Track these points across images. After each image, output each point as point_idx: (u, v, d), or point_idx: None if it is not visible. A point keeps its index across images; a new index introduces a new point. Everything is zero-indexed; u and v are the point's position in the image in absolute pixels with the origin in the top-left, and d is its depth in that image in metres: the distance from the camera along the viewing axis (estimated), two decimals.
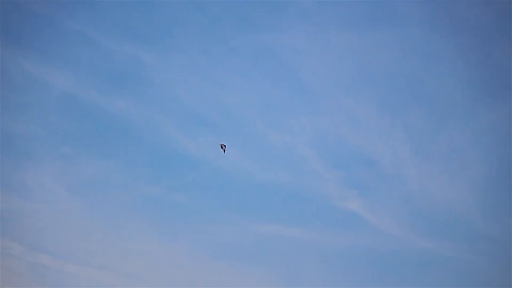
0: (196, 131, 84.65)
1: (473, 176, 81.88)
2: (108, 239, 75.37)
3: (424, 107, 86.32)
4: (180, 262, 75.59)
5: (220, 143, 63.74)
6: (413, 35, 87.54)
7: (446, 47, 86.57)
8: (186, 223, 78.23)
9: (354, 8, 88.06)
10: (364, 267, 77.12)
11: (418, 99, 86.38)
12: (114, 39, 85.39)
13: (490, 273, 73.95)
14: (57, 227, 75.07)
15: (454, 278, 74.55)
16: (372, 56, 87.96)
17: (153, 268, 74.19)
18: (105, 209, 77.60)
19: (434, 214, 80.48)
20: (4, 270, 69.31)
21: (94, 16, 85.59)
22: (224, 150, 63.57)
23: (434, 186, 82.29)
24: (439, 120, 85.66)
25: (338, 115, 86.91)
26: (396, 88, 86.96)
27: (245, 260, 76.89)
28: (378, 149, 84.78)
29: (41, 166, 78.38)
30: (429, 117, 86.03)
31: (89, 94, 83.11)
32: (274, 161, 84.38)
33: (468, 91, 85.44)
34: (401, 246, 77.72)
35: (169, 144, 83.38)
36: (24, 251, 71.44)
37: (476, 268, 75.05)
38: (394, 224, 79.50)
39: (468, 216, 79.18)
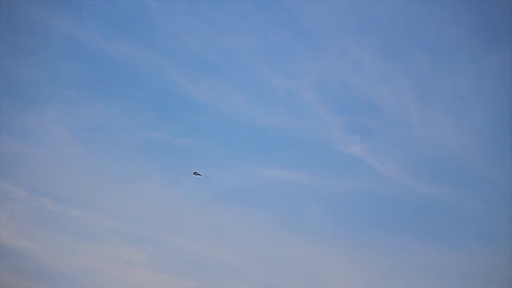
0: (199, 75, 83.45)
1: (475, 122, 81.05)
2: (111, 183, 74.60)
3: (427, 52, 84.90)
4: (183, 206, 74.88)
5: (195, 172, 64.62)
6: None
7: None
8: (189, 167, 76.03)
9: None
10: (367, 211, 76.80)
11: (421, 44, 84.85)
12: None
13: (492, 217, 73.46)
14: (61, 171, 74.27)
15: (457, 223, 74.44)
16: (376, 0, 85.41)
17: (156, 212, 73.53)
18: (108, 153, 76.87)
19: (437, 159, 79.94)
20: (8, 214, 68.57)
21: None
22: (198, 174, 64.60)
23: (436, 131, 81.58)
24: (442, 65, 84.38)
25: (341, 60, 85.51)
26: (399, 33, 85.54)
27: (248, 204, 76.17)
28: (381, 94, 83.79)
29: (44, 110, 77.40)
30: (432, 62, 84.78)
31: (92, 37, 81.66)
32: (277, 106, 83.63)
33: (471, 36, 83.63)
34: (404, 191, 77.19)
35: (172, 88, 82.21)
36: (27, 196, 70.68)
37: (479, 213, 74.66)
38: (397, 169, 78.99)
39: (471, 162, 78.51)
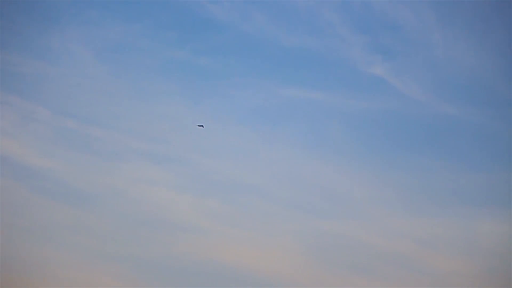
0: None
1: (497, 42, 77.57)
2: (134, 103, 73.42)
3: None
4: (205, 125, 72.29)
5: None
6: None
7: None
8: (211, 86, 76.00)
9: None
10: (389, 131, 75.25)
11: None
12: None
13: None
14: (83, 91, 73.03)
15: (478, 143, 72.93)
16: None
17: (178, 132, 72.22)
18: (130, 73, 75.49)
19: (459, 79, 77.42)
20: (31, 134, 68.19)
21: None
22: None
23: (458, 52, 78.54)
24: None
25: None
26: None
27: (269, 123, 75.23)
28: (403, 14, 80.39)
29: (66, 31, 75.62)
30: None
31: None
32: (299, 25, 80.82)
33: None
34: (426, 111, 75.46)
35: (194, 8, 79.54)
36: (50, 116, 69.69)
37: (500, 134, 72.46)
38: (418, 89, 76.73)
39: (492, 82, 75.94)
